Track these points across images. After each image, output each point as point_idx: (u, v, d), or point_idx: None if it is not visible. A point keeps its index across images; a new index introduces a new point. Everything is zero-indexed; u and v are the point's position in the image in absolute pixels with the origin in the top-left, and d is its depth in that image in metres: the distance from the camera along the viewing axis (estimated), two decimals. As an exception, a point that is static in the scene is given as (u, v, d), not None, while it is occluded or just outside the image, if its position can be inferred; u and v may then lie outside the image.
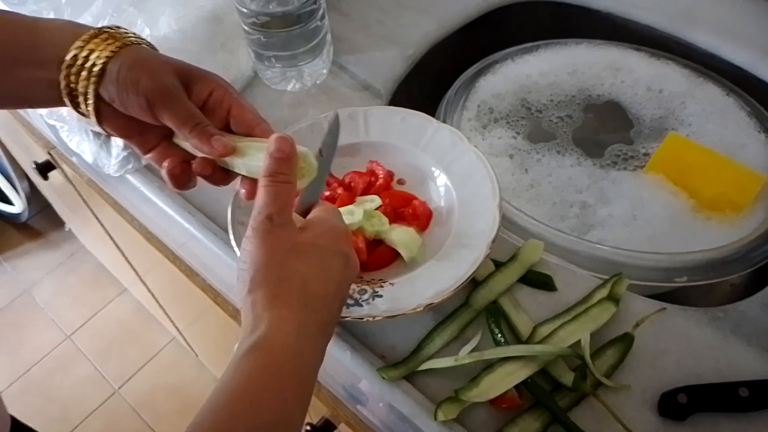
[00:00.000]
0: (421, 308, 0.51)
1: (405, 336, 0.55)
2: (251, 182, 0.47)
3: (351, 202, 0.59)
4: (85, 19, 0.62)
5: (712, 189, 0.66)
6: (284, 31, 0.66)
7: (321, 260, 0.43)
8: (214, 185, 0.49)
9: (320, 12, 0.68)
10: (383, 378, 0.52)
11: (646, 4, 0.83)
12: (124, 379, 1.67)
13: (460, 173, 0.60)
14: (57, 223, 1.96)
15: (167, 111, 0.45)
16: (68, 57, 0.44)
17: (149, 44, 0.48)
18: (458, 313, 0.55)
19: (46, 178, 1.01)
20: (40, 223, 2.01)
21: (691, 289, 0.61)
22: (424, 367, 0.52)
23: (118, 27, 0.47)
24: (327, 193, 0.60)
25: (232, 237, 0.55)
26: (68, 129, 0.67)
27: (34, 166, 1.00)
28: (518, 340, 0.54)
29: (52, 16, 0.63)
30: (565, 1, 0.86)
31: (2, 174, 1.91)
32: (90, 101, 0.45)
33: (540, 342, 0.52)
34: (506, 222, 0.62)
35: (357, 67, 0.76)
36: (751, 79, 0.76)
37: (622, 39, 0.81)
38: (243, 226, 0.56)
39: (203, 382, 1.63)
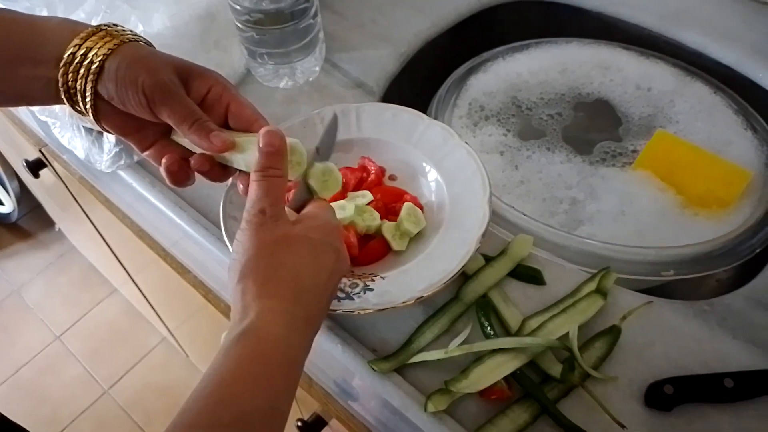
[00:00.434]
0: (412, 301, 0.51)
1: (396, 329, 0.55)
2: (249, 177, 0.48)
3: (343, 197, 0.59)
4: (78, 15, 0.62)
5: (699, 185, 0.67)
6: (277, 29, 0.67)
7: (312, 253, 0.43)
8: (212, 181, 0.50)
9: (313, 10, 0.68)
10: (374, 370, 0.52)
11: (635, 3, 0.84)
12: (114, 379, 1.67)
13: (450, 169, 0.60)
14: (47, 223, 1.95)
15: (166, 108, 0.45)
16: (66, 55, 0.44)
17: (147, 41, 0.48)
18: (448, 307, 0.55)
19: (37, 176, 1.01)
20: (29, 223, 2.00)
21: (678, 283, 0.62)
22: (414, 359, 0.52)
23: (116, 24, 0.47)
24: None
25: (224, 232, 0.56)
26: (60, 125, 0.67)
27: (24, 164, 0.99)
28: (507, 333, 0.54)
29: (45, 12, 0.63)
30: (556, 1, 0.87)
31: (-8, 174, 1.90)
32: (88, 99, 0.45)
33: (529, 335, 0.53)
34: (496, 217, 0.63)
35: (350, 65, 0.76)
36: (738, 78, 0.77)
37: (611, 38, 0.82)
38: (235, 221, 0.56)
39: (193, 382, 1.58)
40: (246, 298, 0.41)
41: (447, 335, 0.54)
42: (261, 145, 0.45)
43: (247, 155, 0.47)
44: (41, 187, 1.40)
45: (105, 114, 0.47)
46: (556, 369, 0.51)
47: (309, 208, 0.48)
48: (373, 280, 0.54)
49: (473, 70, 0.80)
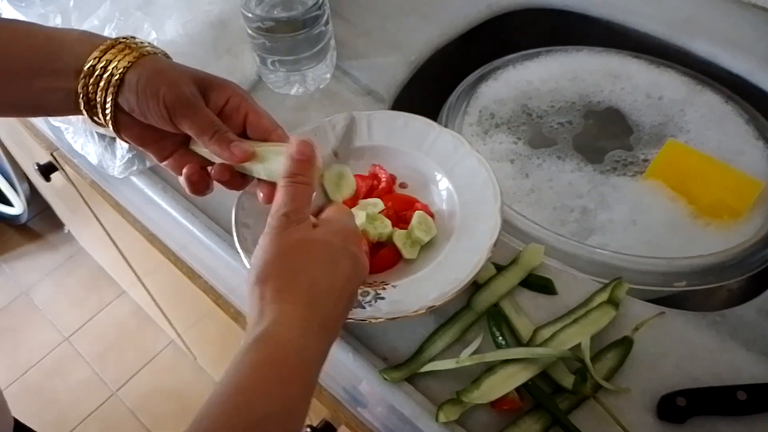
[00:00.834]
0: (423, 311, 0.51)
1: (407, 338, 0.55)
2: (269, 186, 0.49)
3: (354, 205, 0.59)
4: (92, 22, 0.63)
5: (710, 195, 0.67)
6: (289, 36, 0.67)
7: (330, 257, 0.43)
8: (232, 190, 0.51)
9: (325, 17, 0.68)
10: (385, 379, 0.52)
11: (645, 12, 0.84)
12: (122, 381, 1.67)
13: (461, 177, 0.60)
14: (56, 224, 1.96)
15: (187, 119, 0.46)
16: (86, 67, 0.45)
17: (164, 53, 0.49)
18: (460, 316, 0.55)
19: (48, 179, 1.02)
20: (39, 224, 2.01)
21: (690, 293, 0.62)
22: (425, 369, 0.52)
23: (134, 37, 0.48)
24: None
25: (235, 239, 0.56)
26: (73, 130, 0.68)
27: (36, 167, 1.00)
28: (519, 342, 0.54)
29: (59, 19, 0.63)
30: (566, 9, 0.87)
31: (2, 175, 1.91)
32: (108, 111, 0.46)
33: (540, 345, 0.53)
34: (507, 226, 0.63)
35: (360, 72, 0.77)
36: (750, 87, 0.77)
37: (621, 46, 0.82)
38: (247, 228, 0.56)
39: (201, 385, 1.63)
40: (262, 302, 0.41)
41: (458, 344, 0.54)
42: (292, 153, 0.45)
43: (267, 164, 0.47)
44: (51, 189, 1.41)
45: (124, 125, 0.48)
46: (568, 380, 0.51)
47: (328, 213, 0.48)
48: (384, 289, 0.54)
49: (483, 77, 0.80)
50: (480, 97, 0.78)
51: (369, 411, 0.62)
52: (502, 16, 0.86)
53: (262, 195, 0.50)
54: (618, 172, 0.72)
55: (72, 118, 0.67)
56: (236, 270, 0.62)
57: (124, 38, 0.46)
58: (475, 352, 0.52)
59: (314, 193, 0.50)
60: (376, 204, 0.59)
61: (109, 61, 0.45)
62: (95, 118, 0.47)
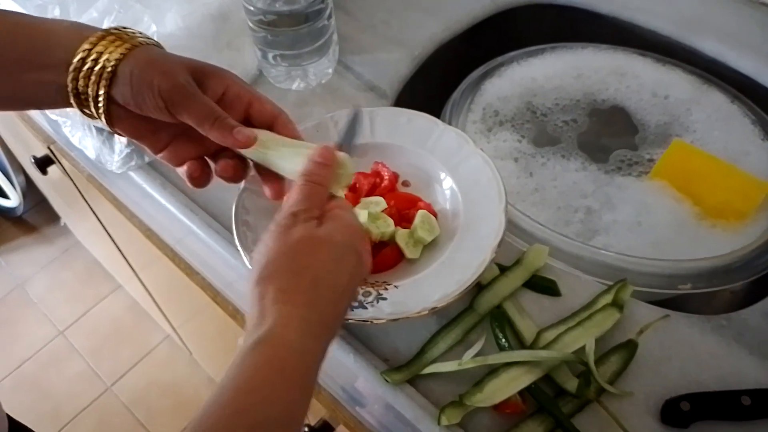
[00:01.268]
0: (426, 312, 0.51)
1: (408, 339, 0.54)
2: (277, 183, 0.49)
3: (356, 203, 0.58)
4: (91, 14, 0.62)
5: (716, 196, 0.66)
6: (291, 30, 0.66)
7: (334, 256, 0.42)
8: (231, 183, 0.50)
9: (328, 11, 0.67)
10: (387, 381, 0.51)
11: (652, 9, 0.83)
12: (117, 376, 1.66)
13: (465, 176, 0.60)
14: (52, 217, 1.95)
15: (185, 109, 0.45)
16: (76, 60, 0.44)
17: (157, 44, 0.48)
18: (462, 317, 0.55)
19: (45, 172, 1.00)
20: (35, 217, 1.99)
21: (692, 295, 0.61)
22: (427, 370, 0.52)
23: (125, 28, 0.46)
24: None
25: (235, 236, 0.55)
26: (71, 124, 0.67)
27: (32, 160, 0.99)
28: (522, 345, 0.53)
29: (57, 11, 0.62)
30: (571, 5, 0.86)
31: (-2, 167, 1.90)
32: (101, 104, 0.45)
33: (544, 347, 0.52)
34: (510, 226, 0.62)
35: (362, 68, 0.76)
36: (756, 87, 0.76)
37: (627, 44, 0.81)
38: (247, 225, 0.55)
39: (197, 380, 1.62)
40: (264, 302, 0.40)
41: (460, 346, 0.53)
42: (314, 156, 0.45)
43: (275, 154, 0.47)
44: (48, 182, 1.40)
45: (118, 118, 0.46)
46: (571, 383, 0.50)
47: (332, 209, 0.47)
48: (386, 289, 0.53)
49: (488, 74, 0.79)
50: (484, 94, 0.77)
51: (367, 411, 0.61)
52: (507, 12, 0.85)
53: (269, 191, 0.49)
54: (623, 172, 0.71)
55: (70, 111, 0.66)
56: (235, 267, 0.61)
57: (115, 29, 0.45)
58: (477, 354, 0.51)
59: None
60: (379, 202, 0.58)
61: (100, 53, 0.43)
62: (86, 111, 0.46)
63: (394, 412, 0.53)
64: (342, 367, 0.56)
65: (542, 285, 0.57)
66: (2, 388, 1.65)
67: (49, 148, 0.94)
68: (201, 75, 0.47)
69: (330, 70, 0.74)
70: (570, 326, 0.53)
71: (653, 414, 0.50)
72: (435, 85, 0.79)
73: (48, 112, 0.70)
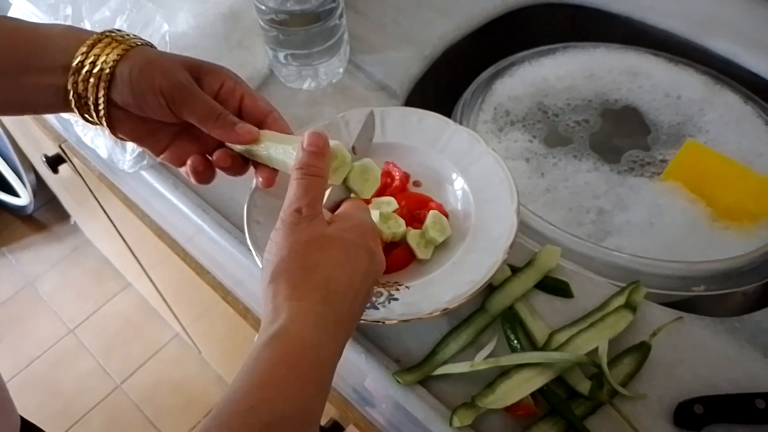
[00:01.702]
0: (437, 313, 0.50)
1: (420, 339, 0.54)
2: (269, 171, 0.49)
3: (367, 203, 0.58)
4: (103, 13, 0.62)
5: (729, 197, 0.65)
6: (302, 30, 0.66)
7: (346, 254, 0.42)
8: (234, 176, 0.50)
9: (339, 10, 0.67)
10: (398, 382, 0.51)
11: (664, 9, 0.82)
12: (127, 374, 1.67)
13: (477, 176, 0.59)
14: (62, 216, 1.96)
15: (187, 107, 0.45)
16: (74, 63, 0.44)
17: (151, 44, 0.48)
18: (474, 318, 0.54)
19: (56, 171, 1.01)
20: (45, 215, 2.00)
21: (705, 297, 0.61)
22: (439, 371, 0.52)
23: (119, 30, 0.47)
24: None
25: (247, 236, 0.55)
26: (83, 123, 0.66)
27: (44, 159, 0.99)
28: (534, 346, 0.53)
29: (69, 9, 0.62)
30: (583, 5, 0.85)
31: (9, 166, 1.91)
32: (101, 106, 0.45)
33: (556, 349, 0.52)
34: (522, 226, 0.62)
35: (373, 67, 0.75)
36: (770, 88, 0.76)
37: (640, 44, 0.80)
38: (259, 224, 0.55)
39: (206, 378, 1.63)
40: (277, 299, 0.40)
41: (472, 347, 0.53)
42: (304, 145, 0.44)
43: (270, 148, 0.47)
44: (58, 180, 1.40)
45: (118, 120, 0.47)
46: (583, 385, 0.50)
47: (344, 208, 0.48)
48: (398, 290, 0.53)
49: (499, 73, 0.78)
50: (495, 94, 0.76)
51: (378, 411, 0.61)
52: (518, 11, 0.85)
53: (261, 180, 0.49)
54: (635, 173, 0.70)
55: (67, 115, 0.66)
56: (247, 267, 0.61)
57: (109, 32, 0.46)
58: (489, 356, 0.51)
59: (331, 188, 0.49)
60: (390, 203, 0.58)
61: (97, 56, 0.44)
62: (86, 116, 0.46)
63: (405, 413, 0.53)
64: (353, 367, 0.56)
65: (554, 286, 0.56)
66: (12, 386, 1.64)
67: (60, 147, 0.94)
68: (198, 72, 0.47)
69: (341, 70, 0.74)
70: (582, 328, 0.53)
71: (666, 417, 0.50)
72: (446, 84, 0.79)
73: (60, 111, 0.70)
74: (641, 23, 0.83)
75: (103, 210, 1.13)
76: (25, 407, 0.76)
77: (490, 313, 0.54)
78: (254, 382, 0.37)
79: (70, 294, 1.84)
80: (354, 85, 0.74)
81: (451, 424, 0.49)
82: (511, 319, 0.53)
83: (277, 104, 0.50)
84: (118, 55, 0.44)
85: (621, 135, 0.74)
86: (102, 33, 0.45)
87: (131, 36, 0.47)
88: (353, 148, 0.51)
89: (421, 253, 0.56)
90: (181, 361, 1.68)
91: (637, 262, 0.59)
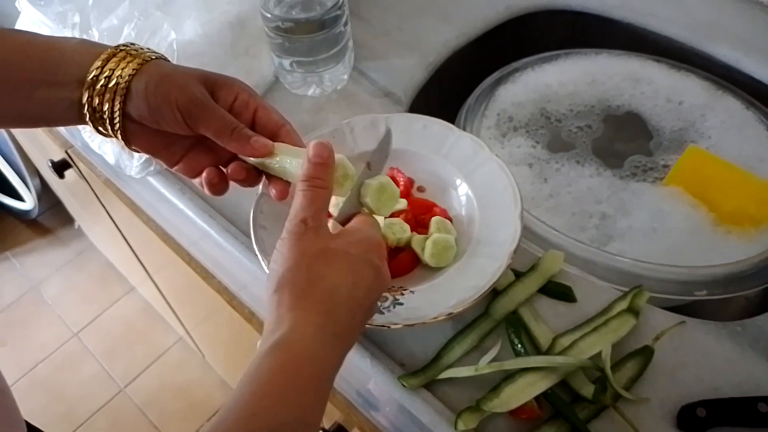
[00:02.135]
0: (442, 317, 0.51)
1: (424, 344, 0.55)
2: (282, 183, 0.49)
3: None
4: (111, 21, 0.63)
5: (731, 203, 0.66)
6: (307, 37, 0.67)
7: (351, 268, 0.43)
8: (246, 187, 0.51)
9: (344, 18, 0.68)
10: (403, 386, 0.52)
11: (665, 15, 0.83)
12: (131, 378, 1.68)
13: (481, 182, 0.60)
14: (67, 220, 1.97)
15: (203, 122, 0.45)
16: (89, 77, 0.44)
17: (165, 58, 0.49)
18: (478, 323, 0.55)
19: (62, 176, 1.02)
20: (49, 220, 2.01)
21: (708, 302, 0.61)
22: (443, 375, 0.52)
23: (133, 44, 0.47)
24: None
25: (254, 241, 0.55)
26: (90, 129, 0.67)
27: (50, 164, 1.00)
28: (538, 350, 0.54)
29: (77, 18, 0.63)
30: (585, 11, 0.86)
31: (14, 170, 1.92)
32: (117, 120, 0.45)
33: (560, 353, 0.52)
34: (526, 231, 0.62)
35: (377, 74, 0.76)
36: (771, 94, 0.76)
37: (641, 50, 0.81)
38: (265, 230, 0.56)
39: (209, 382, 1.63)
40: (280, 309, 0.41)
41: (476, 351, 0.54)
42: (310, 156, 0.45)
43: (282, 161, 0.47)
44: (63, 185, 1.41)
45: (133, 133, 0.47)
46: (587, 389, 0.50)
47: (353, 223, 0.48)
48: (403, 294, 0.54)
49: (502, 80, 0.79)
50: (498, 100, 0.77)
51: (382, 414, 0.62)
52: (521, 18, 0.85)
53: (274, 192, 0.50)
54: (638, 178, 0.71)
55: (79, 127, 0.67)
56: (253, 271, 0.62)
57: (124, 46, 0.46)
58: (493, 360, 0.52)
59: (343, 202, 0.49)
60: (399, 202, 0.58)
61: (113, 70, 0.44)
62: (101, 129, 0.47)
63: (410, 417, 0.53)
64: (358, 371, 0.56)
65: (558, 291, 0.57)
66: (16, 389, 1.65)
67: (66, 152, 0.95)
68: (213, 85, 0.48)
69: (345, 77, 0.75)
70: (586, 332, 0.53)
71: (669, 420, 0.50)
72: (449, 90, 0.80)
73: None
74: (643, 29, 0.83)
75: (108, 215, 1.14)
76: (29, 411, 0.77)
77: (494, 317, 0.55)
78: (254, 390, 0.38)
79: (74, 298, 1.85)
80: (358, 92, 0.75)
81: (455, 428, 0.49)
82: (515, 324, 0.54)
83: (283, 111, 0.50)
84: (133, 69, 0.44)
85: (623, 140, 0.75)
86: (116, 47, 0.46)
87: (146, 50, 0.47)
88: (368, 163, 0.51)
89: (432, 260, 0.56)
90: (184, 365, 1.68)
91: (639, 267, 0.60)
